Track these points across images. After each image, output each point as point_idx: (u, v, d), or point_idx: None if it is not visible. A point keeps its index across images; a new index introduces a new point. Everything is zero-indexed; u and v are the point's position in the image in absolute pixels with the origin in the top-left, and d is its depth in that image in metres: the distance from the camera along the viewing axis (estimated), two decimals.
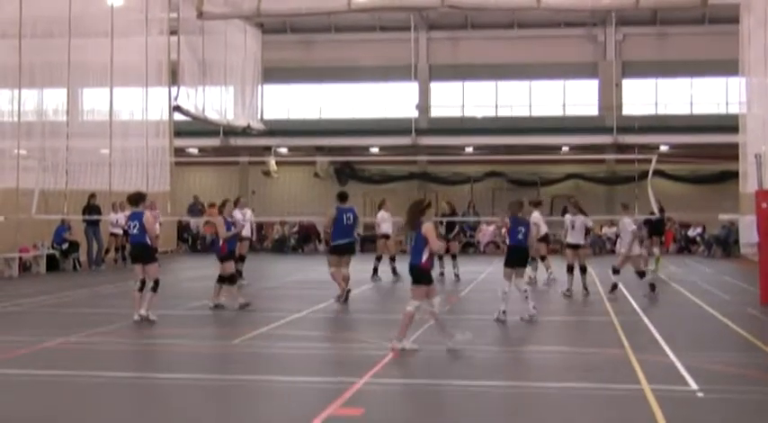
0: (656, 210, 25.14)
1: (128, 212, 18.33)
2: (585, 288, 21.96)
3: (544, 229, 24.89)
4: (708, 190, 43.38)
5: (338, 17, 42.85)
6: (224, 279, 18.75)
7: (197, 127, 39.35)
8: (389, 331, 14.04)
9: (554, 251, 26.51)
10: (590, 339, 15.26)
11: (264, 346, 14.25)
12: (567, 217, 23.31)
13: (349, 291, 19.77)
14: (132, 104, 34.84)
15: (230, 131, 42.88)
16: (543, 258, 25.13)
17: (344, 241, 19.97)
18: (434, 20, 46.26)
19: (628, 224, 21.72)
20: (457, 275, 26.11)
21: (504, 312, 16.65)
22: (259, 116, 42.33)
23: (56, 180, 29.88)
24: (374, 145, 46.80)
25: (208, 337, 15.49)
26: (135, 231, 16.72)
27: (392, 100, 47.13)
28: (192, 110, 34.62)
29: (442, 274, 25.90)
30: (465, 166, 45.92)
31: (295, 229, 28.11)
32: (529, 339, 15.14)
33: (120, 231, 28.90)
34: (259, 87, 41.79)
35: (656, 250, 28.88)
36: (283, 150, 47.63)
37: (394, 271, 26.17)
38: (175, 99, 33.58)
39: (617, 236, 41.86)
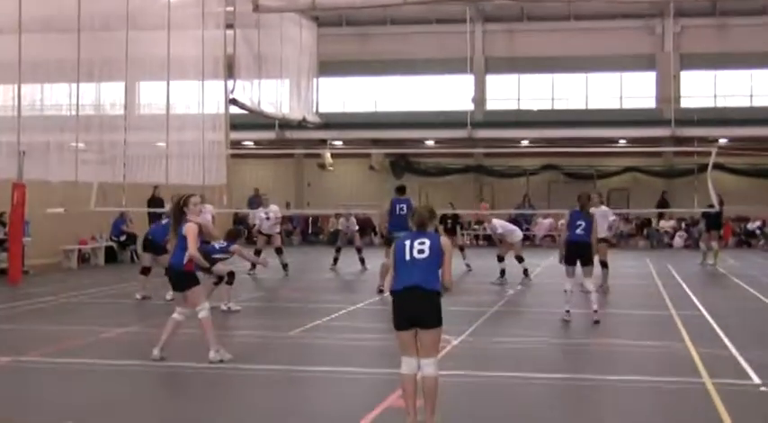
0: (716, 203, 24.82)
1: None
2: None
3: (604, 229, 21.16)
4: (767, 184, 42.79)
5: (394, 10, 42.82)
6: (225, 279, 17.27)
7: (253, 120, 39.45)
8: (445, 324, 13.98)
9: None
10: (650, 333, 15.08)
11: (321, 337, 14.29)
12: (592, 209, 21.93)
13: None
14: (189, 98, 34.94)
15: (286, 124, 42.92)
16: (604, 264, 21.29)
17: (400, 231, 19.95)
18: (490, 12, 46.03)
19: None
20: (468, 266, 26.61)
21: (567, 312, 15.94)
22: (314, 109, 42.32)
23: (114, 173, 30.06)
24: (429, 138, 46.71)
25: (264, 328, 15.51)
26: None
27: (448, 93, 46.92)
28: (248, 103, 34.71)
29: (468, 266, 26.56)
30: (520, 159, 45.69)
31: (356, 228, 28.19)
32: (588, 332, 15.02)
33: None
34: (314, 80, 41.79)
35: (714, 244, 28.57)
36: (338, 143, 47.67)
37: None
38: (231, 92, 33.69)
39: (675, 229, 41.94)
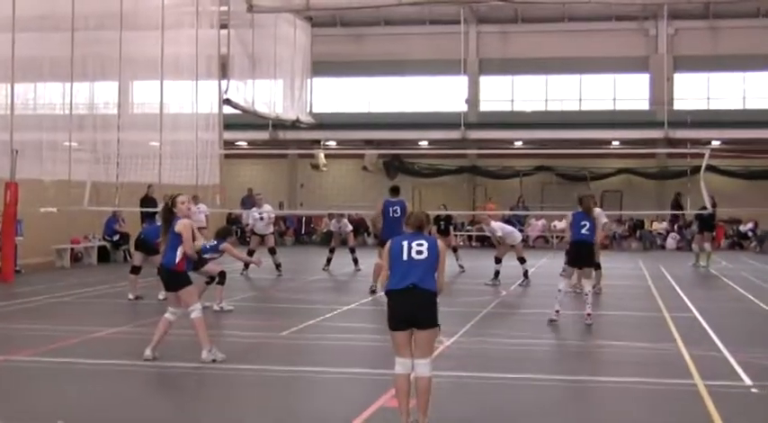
0: (708, 205, 24.86)
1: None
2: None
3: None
4: (760, 186, 42.81)
5: (388, 11, 42.84)
6: (216, 280, 17.29)
7: (246, 120, 39.46)
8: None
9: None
10: (642, 334, 15.08)
11: (314, 337, 14.29)
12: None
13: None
14: (182, 97, 34.94)
15: (279, 125, 42.97)
16: (597, 266, 20.82)
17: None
18: (484, 13, 46.06)
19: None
20: (461, 267, 26.54)
21: (557, 312, 15.83)
22: (308, 109, 42.38)
23: (107, 172, 30.06)
24: (423, 139, 46.71)
25: (256, 328, 15.50)
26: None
27: (441, 94, 46.96)
28: (242, 103, 34.76)
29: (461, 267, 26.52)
30: (514, 160, 45.73)
31: (349, 228, 28.21)
32: (580, 334, 15.02)
33: None
34: (308, 81, 41.84)
35: (706, 246, 28.61)
36: (332, 143, 47.68)
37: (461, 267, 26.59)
38: (225, 92, 33.72)
39: (667, 231, 42.00)
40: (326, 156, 46.35)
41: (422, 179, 45.89)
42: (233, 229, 19.79)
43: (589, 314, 15.84)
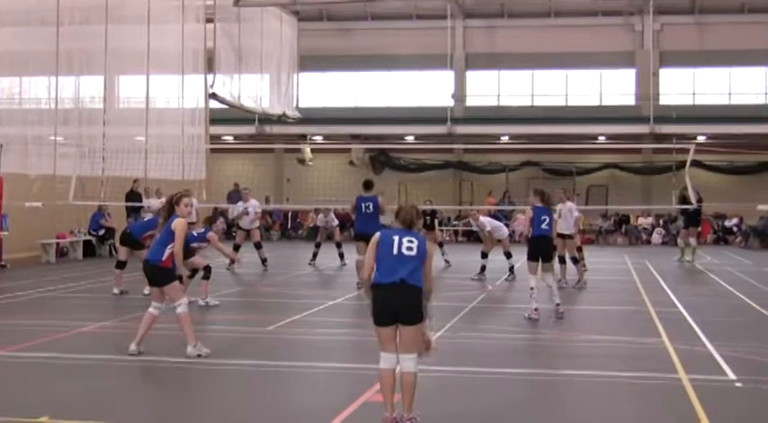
0: (693, 200, 24.92)
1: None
2: (564, 280, 20.81)
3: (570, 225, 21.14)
4: (745, 181, 43.00)
5: (374, 5, 42.88)
6: (202, 274, 17.31)
7: (232, 114, 39.39)
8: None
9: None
10: (627, 329, 15.15)
11: (300, 332, 14.28)
12: (559, 206, 21.69)
13: None
14: (168, 92, 34.91)
15: (266, 119, 42.95)
16: (574, 260, 21.46)
17: (367, 231, 19.49)
18: (470, 8, 46.09)
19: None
20: (447, 261, 26.70)
21: (535, 310, 15.67)
22: (294, 104, 42.30)
23: (92, 167, 29.99)
24: (409, 133, 46.65)
25: (242, 323, 15.50)
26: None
27: (428, 88, 46.93)
28: (228, 97, 34.66)
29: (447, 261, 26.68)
30: (500, 155, 45.69)
31: (336, 223, 28.30)
32: (565, 329, 15.03)
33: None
34: (295, 75, 41.76)
35: (692, 241, 28.68)
36: (318, 138, 47.63)
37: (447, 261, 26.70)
38: (211, 86, 33.63)
39: (653, 226, 42.10)
40: (313, 150, 46.26)
41: (408, 174, 45.89)
42: (219, 217, 19.85)
43: (558, 304, 15.98)
